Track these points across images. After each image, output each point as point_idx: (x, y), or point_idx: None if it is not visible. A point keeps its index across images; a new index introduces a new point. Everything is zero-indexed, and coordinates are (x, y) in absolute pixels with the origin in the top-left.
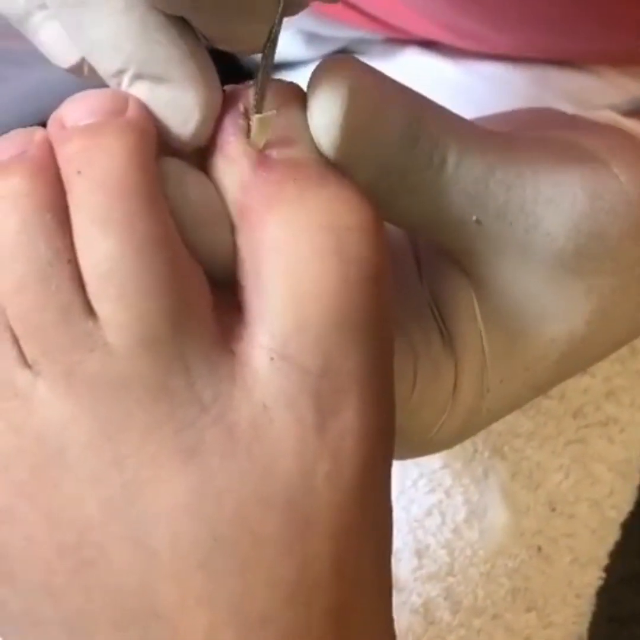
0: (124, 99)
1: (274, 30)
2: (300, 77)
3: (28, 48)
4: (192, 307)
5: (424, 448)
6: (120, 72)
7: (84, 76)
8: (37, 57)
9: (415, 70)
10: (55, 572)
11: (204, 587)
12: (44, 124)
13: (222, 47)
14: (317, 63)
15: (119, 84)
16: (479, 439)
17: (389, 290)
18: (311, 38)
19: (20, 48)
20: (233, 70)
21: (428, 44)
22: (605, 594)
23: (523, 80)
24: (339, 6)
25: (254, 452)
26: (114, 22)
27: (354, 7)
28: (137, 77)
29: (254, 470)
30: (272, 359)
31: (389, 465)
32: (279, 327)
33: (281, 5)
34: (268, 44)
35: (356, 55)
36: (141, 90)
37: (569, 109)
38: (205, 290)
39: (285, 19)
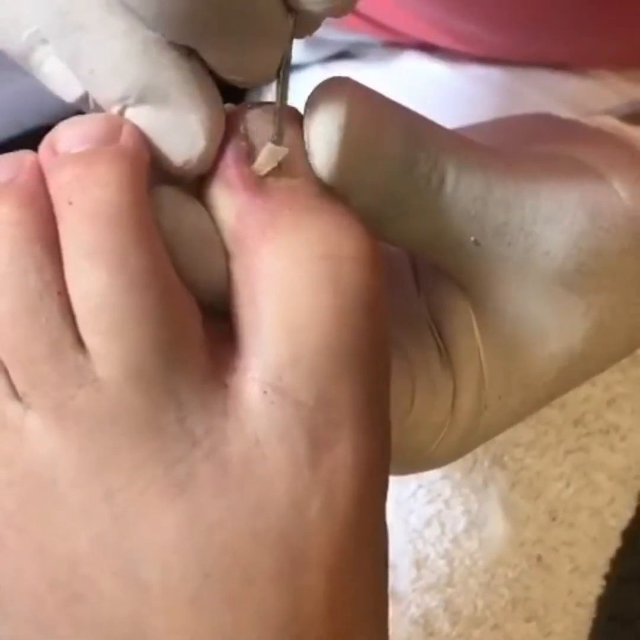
0: (117, 125)
1: (286, 55)
2: (299, 81)
3: None
4: (183, 341)
5: (422, 465)
6: (122, 99)
7: (90, 109)
8: None
9: (413, 74)
10: (45, 605)
11: (194, 622)
12: (41, 127)
13: (232, 77)
14: (316, 67)
15: (121, 111)
16: (478, 448)
17: (386, 318)
18: (309, 42)
19: None
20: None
21: (426, 48)
22: (606, 594)
23: (521, 84)
24: None
25: (246, 487)
26: (114, 46)
27: (352, 11)
28: (140, 102)
29: (246, 505)
30: (265, 392)
31: (384, 495)
32: (272, 359)
33: (293, 24)
34: (282, 69)
35: (354, 59)
36: (143, 116)
37: (566, 113)
38: (198, 322)
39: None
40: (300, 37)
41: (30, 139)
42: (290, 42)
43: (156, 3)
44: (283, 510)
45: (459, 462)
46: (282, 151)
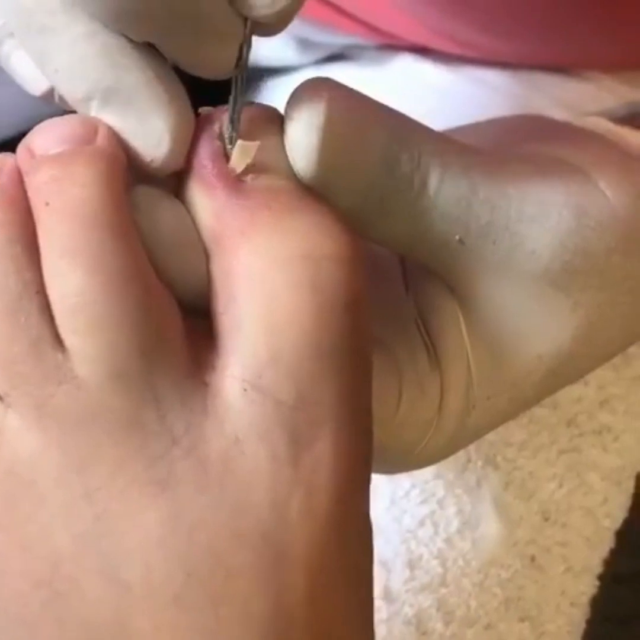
0: (93, 126)
1: (243, 53)
2: (293, 83)
3: None
4: (163, 339)
5: (410, 464)
6: (87, 99)
7: (55, 103)
8: None
9: (407, 77)
10: (28, 604)
11: (177, 621)
12: (19, 135)
13: (192, 72)
14: (310, 69)
15: (88, 111)
16: (471, 448)
17: (368, 317)
18: (304, 44)
19: None
20: (216, 88)
21: (421, 50)
22: (601, 594)
23: (516, 87)
24: (331, 12)
25: (226, 485)
26: (77, 49)
27: (346, 13)
28: (105, 103)
29: (227, 503)
30: (245, 390)
31: (366, 493)
32: (252, 358)
33: (248, 26)
34: (239, 67)
35: (348, 61)
36: (110, 117)
37: (562, 115)
38: (177, 320)
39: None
40: (263, 36)
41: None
42: (247, 40)
43: (110, 4)
44: (264, 508)
45: (452, 462)
46: (254, 146)
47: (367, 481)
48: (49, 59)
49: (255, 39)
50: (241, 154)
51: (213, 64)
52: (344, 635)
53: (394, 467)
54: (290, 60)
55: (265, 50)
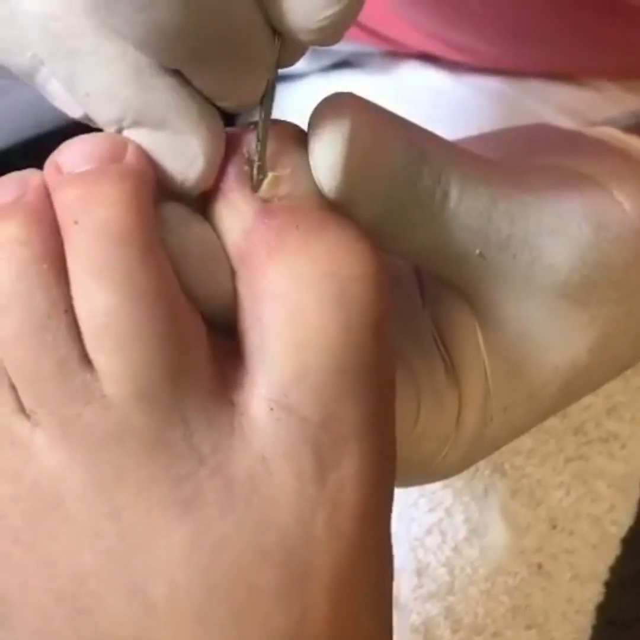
0: (122, 144)
1: (271, 82)
2: (300, 90)
3: None
4: (190, 358)
5: (428, 477)
6: (118, 121)
7: (95, 126)
8: None
9: (414, 84)
10: (51, 619)
11: (199, 638)
12: (43, 136)
13: (221, 103)
14: (317, 75)
15: (118, 131)
16: None
17: (391, 335)
18: (311, 51)
19: None
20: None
21: (426, 57)
22: (606, 598)
23: (521, 94)
24: None
25: (252, 504)
26: (107, 71)
27: (338, 41)
28: (136, 124)
29: (252, 522)
30: (271, 409)
31: (389, 511)
32: (278, 376)
33: (277, 52)
34: (266, 96)
35: (355, 68)
36: (141, 136)
37: (566, 123)
38: (204, 339)
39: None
40: (284, 66)
41: (31, 148)
42: (275, 69)
43: (143, 27)
44: (288, 527)
45: None
46: (283, 177)
47: (391, 499)
48: (79, 82)
49: None
50: (270, 185)
51: (243, 92)
52: None
53: (411, 480)
54: (298, 67)
55: None
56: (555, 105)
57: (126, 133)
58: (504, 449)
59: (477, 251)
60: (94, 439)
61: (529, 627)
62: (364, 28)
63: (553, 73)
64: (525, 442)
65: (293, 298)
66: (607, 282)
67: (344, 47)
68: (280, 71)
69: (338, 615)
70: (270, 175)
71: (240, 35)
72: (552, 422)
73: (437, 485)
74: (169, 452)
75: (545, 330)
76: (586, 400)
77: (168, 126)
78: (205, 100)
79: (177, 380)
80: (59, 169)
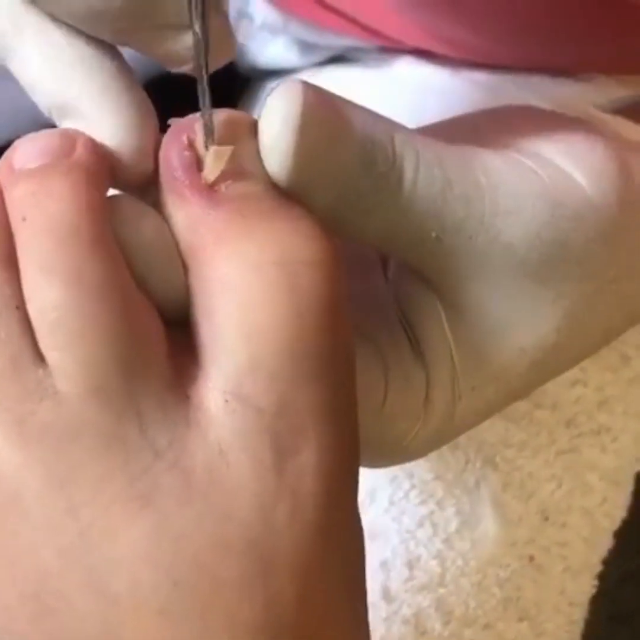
0: (72, 139)
1: (202, 47)
2: None
3: None
4: (144, 352)
5: (399, 457)
6: (49, 113)
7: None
8: None
9: (409, 79)
10: (17, 618)
11: (164, 632)
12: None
13: (173, 68)
14: (311, 70)
15: (57, 124)
16: (470, 449)
17: (348, 320)
18: (305, 46)
19: None
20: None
21: (421, 53)
22: (604, 592)
23: (517, 89)
24: (332, 16)
25: (210, 496)
26: (31, 65)
27: (347, 17)
28: (63, 116)
29: (212, 514)
30: (226, 400)
31: (354, 496)
32: (232, 368)
33: (199, 15)
34: (203, 68)
35: (349, 63)
36: (72, 127)
37: None
38: (159, 333)
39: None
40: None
41: None
42: (205, 38)
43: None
44: (249, 517)
45: (451, 463)
46: (227, 151)
47: (355, 482)
48: (21, 80)
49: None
50: (215, 161)
51: (171, 56)
52: (338, 638)
53: (383, 459)
54: (292, 62)
55: (267, 52)
56: (551, 99)
57: (59, 125)
58: (496, 441)
59: (434, 234)
60: (49, 436)
61: (520, 619)
62: (357, 23)
63: (549, 68)
64: (516, 434)
65: (241, 287)
66: (568, 260)
67: (339, 42)
68: (275, 66)
69: (305, 602)
70: (212, 149)
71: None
72: (544, 414)
73: (428, 477)
74: (124, 447)
75: (509, 310)
76: (577, 392)
77: (85, 116)
78: (129, 89)
79: (130, 374)
80: (11, 167)
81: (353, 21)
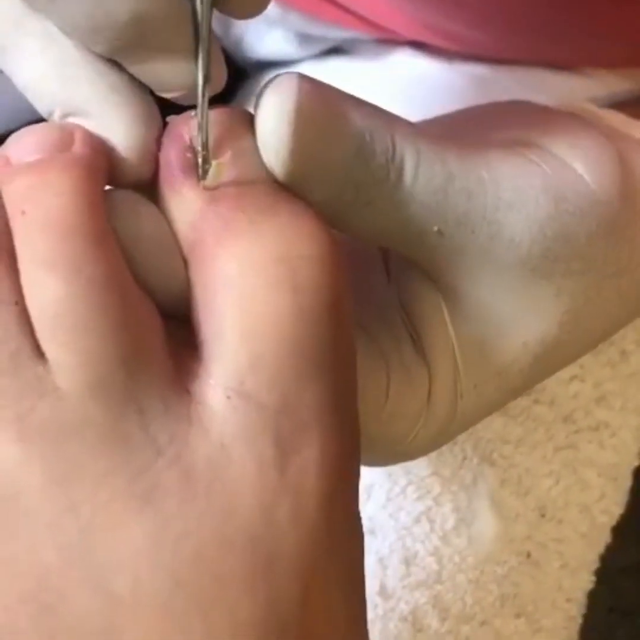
0: (70, 133)
1: (206, 69)
2: None
3: None
4: (144, 348)
5: (401, 456)
6: (51, 113)
7: None
8: None
9: (405, 71)
10: (17, 616)
11: (166, 630)
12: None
13: (160, 93)
14: (310, 62)
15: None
16: (467, 445)
17: (350, 316)
18: (303, 38)
19: None
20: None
21: (419, 45)
22: (605, 585)
23: (514, 82)
24: (331, 8)
25: (212, 492)
26: (32, 65)
27: (344, 9)
28: (66, 115)
29: (213, 511)
30: (228, 397)
31: (355, 493)
32: (234, 364)
33: (203, 43)
34: (204, 86)
35: (347, 55)
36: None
37: None
38: (159, 329)
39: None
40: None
41: None
42: (208, 57)
43: (59, 19)
44: (251, 514)
45: (448, 459)
46: (227, 162)
47: (356, 480)
48: (14, 77)
49: (256, 37)
50: (215, 174)
51: (172, 80)
52: (339, 634)
53: (385, 458)
54: (290, 54)
55: (265, 43)
56: (546, 92)
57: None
58: (493, 437)
59: (435, 228)
60: (49, 433)
61: (518, 616)
62: (355, 15)
63: (546, 61)
64: (514, 430)
65: (243, 284)
66: (571, 254)
67: (337, 34)
68: (273, 58)
69: (307, 599)
70: (214, 163)
71: (162, 24)
72: (541, 410)
73: (425, 473)
74: (125, 444)
75: (511, 305)
76: (574, 388)
77: (93, 116)
78: (133, 89)
79: (131, 370)
80: (7, 161)
81: (350, 13)
